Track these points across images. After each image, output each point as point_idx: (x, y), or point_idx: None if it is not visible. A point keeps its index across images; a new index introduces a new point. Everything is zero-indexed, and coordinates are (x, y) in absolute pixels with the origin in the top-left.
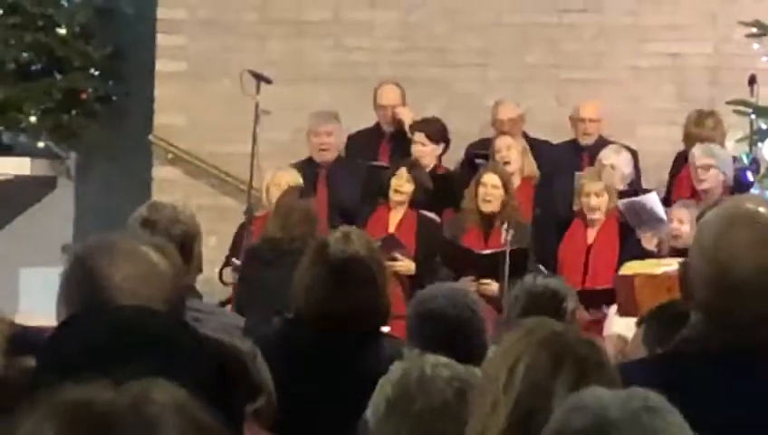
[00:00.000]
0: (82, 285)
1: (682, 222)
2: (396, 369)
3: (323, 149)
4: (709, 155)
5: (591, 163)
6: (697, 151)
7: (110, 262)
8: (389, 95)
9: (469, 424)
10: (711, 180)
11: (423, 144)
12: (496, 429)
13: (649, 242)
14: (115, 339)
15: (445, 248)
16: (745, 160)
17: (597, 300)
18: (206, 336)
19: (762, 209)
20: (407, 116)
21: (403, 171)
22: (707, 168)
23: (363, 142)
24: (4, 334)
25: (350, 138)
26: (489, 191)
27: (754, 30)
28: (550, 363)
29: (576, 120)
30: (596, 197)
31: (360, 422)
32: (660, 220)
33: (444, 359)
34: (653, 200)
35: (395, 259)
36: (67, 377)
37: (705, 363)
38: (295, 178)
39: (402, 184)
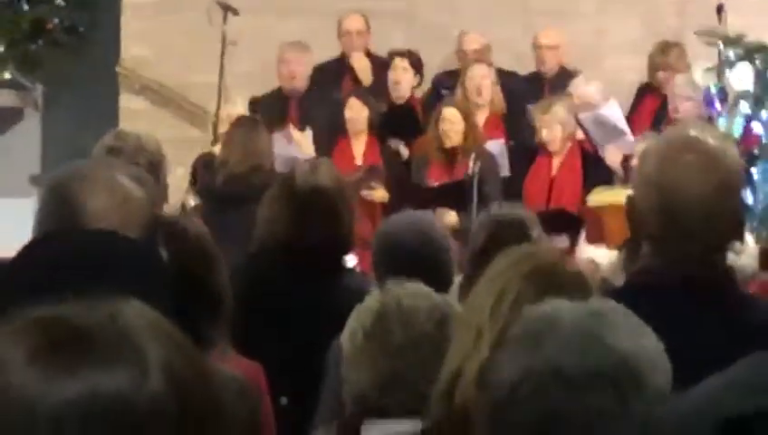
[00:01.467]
0: (56, 213)
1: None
2: (374, 298)
3: (292, 77)
4: (690, 85)
5: (552, 93)
6: (679, 80)
7: (84, 190)
8: (354, 22)
9: (449, 353)
10: (688, 111)
11: (405, 69)
12: (478, 358)
13: (615, 157)
14: (75, 260)
15: (402, 185)
16: (713, 90)
17: (554, 223)
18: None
19: (707, 136)
20: (362, 64)
21: (353, 100)
22: (687, 99)
23: (327, 75)
24: None
25: (314, 70)
26: (448, 127)
27: None
28: (537, 295)
29: (535, 47)
30: (547, 129)
31: (333, 346)
32: (622, 131)
33: (423, 288)
34: (612, 110)
35: (371, 187)
36: (26, 297)
37: (657, 297)
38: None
39: (355, 112)
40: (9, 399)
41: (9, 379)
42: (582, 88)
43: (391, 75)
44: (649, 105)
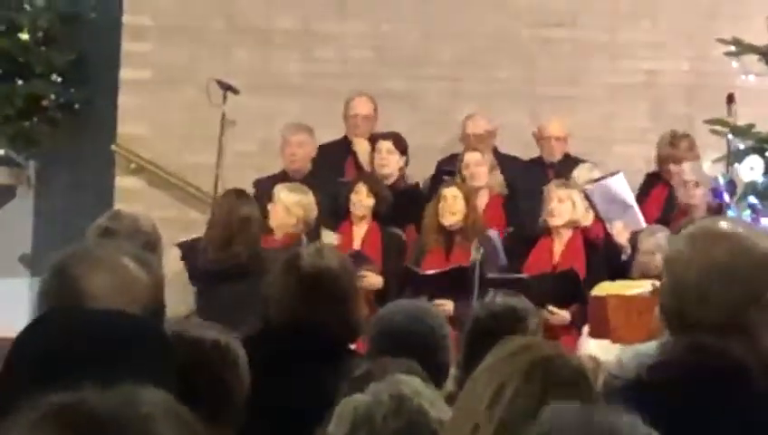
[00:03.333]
0: (57, 294)
1: (653, 253)
2: (369, 392)
3: (294, 160)
4: (697, 173)
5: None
6: (687, 168)
7: (86, 272)
8: (361, 106)
9: None
10: (699, 198)
11: (389, 151)
12: None
13: (621, 235)
14: (81, 339)
15: (399, 271)
16: (722, 181)
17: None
18: (179, 335)
19: (737, 228)
20: (363, 148)
21: (361, 185)
22: (697, 184)
23: (330, 155)
24: None
25: (320, 147)
26: (449, 204)
27: (733, 48)
28: (535, 390)
29: (541, 138)
30: (558, 202)
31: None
32: (629, 205)
33: (417, 386)
34: (619, 182)
35: (362, 275)
36: (32, 380)
37: (673, 393)
38: (296, 197)
39: (362, 198)
40: None
41: None
42: (585, 175)
43: (376, 158)
44: (657, 195)
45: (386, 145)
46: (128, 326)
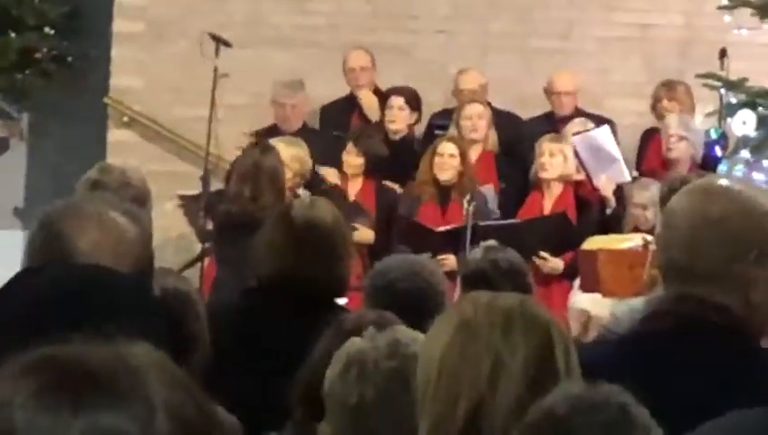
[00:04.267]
0: (47, 249)
1: (645, 206)
2: (367, 337)
3: (286, 119)
4: (684, 126)
5: None
6: (672, 121)
7: (76, 227)
8: (359, 59)
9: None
10: (681, 151)
11: (401, 108)
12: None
13: (606, 188)
14: (69, 293)
15: (400, 225)
16: (714, 135)
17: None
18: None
19: (730, 185)
20: (369, 100)
21: (350, 146)
22: (680, 138)
23: (336, 113)
24: None
25: (323, 109)
26: (446, 160)
27: (726, 2)
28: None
29: (551, 93)
30: (550, 156)
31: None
32: (614, 158)
33: (415, 335)
34: (605, 135)
35: (354, 228)
36: (14, 330)
37: (663, 346)
38: (294, 151)
39: (351, 158)
40: None
41: (14, 417)
42: (577, 129)
43: (387, 114)
44: (657, 147)
45: (398, 102)
46: (117, 283)
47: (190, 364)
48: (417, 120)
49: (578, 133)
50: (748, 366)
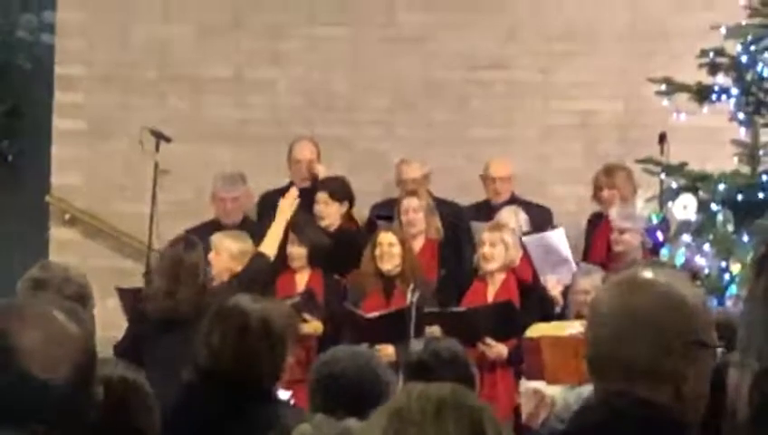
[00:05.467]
0: None
1: (587, 292)
2: (315, 423)
3: (227, 214)
4: (626, 218)
5: None
6: (614, 214)
7: (17, 327)
8: (305, 151)
9: None
10: (626, 243)
11: (326, 203)
12: None
13: (554, 288)
14: None
15: (340, 315)
16: (655, 220)
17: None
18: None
19: (660, 277)
20: (322, 172)
21: (292, 236)
22: (622, 231)
23: (276, 202)
24: None
25: (262, 197)
26: (386, 250)
27: (664, 87)
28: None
29: (486, 179)
30: (491, 246)
31: None
32: (566, 259)
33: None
34: (559, 236)
35: (305, 320)
36: None
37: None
38: (234, 245)
39: (294, 249)
40: None
41: None
42: (510, 219)
43: (315, 209)
44: (602, 234)
45: (323, 196)
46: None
47: None
48: (349, 209)
49: (528, 234)
50: None
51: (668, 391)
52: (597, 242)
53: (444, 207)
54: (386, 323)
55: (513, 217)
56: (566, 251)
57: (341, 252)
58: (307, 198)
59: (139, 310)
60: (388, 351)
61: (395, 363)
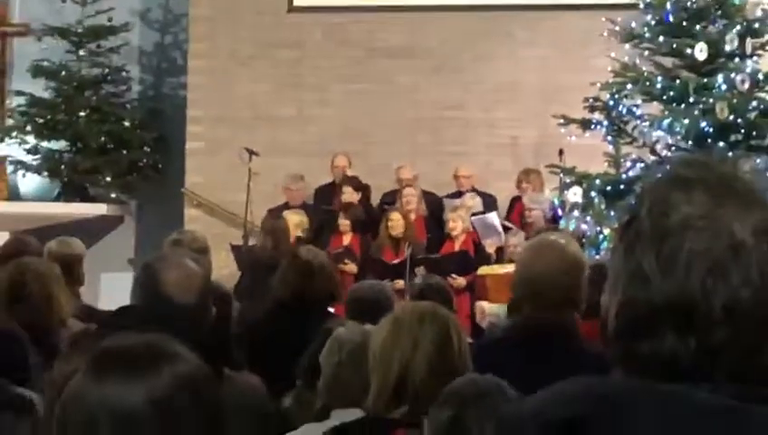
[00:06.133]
0: (145, 283)
1: (516, 246)
2: (338, 332)
3: (292, 199)
4: (533, 201)
5: None
6: (525, 199)
7: (163, 268)
8: (341, 161)
9: (386, 362)
10: (533, 217)
11: (350, 193)
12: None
13: (491, 248)
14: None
15: (370, 262)
16: (557, 203)
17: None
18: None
19: (561, 238)
20: (350, 174)
21: (342, 215)
22: (531, 210)
23: (324, 192)
24: (84, 311)
25: (316, 190)
26: (394, 223)
27: (562, 120)
28: (430, 329)
29: (457, 177)
30: (453, 222)
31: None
32: (498, 232)
33: (366, 327)
34: (494, 218)
35: (345, 264)
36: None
37: (510, 349)
38: (297, 218)
39: (342, 222)
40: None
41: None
42: (470, 202)
43: (343, 197)
44: (518, 209)
45: (347, 189)
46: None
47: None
48: (364, 195)
49: (476, 215)
50: (574, 358)
51: (570, 315)
52: (514, 215)
53: (428, 196)
54: (396, 267)
55: (472, 201)
56: (499, 227)
57: (369, 221)
58: (341, 190)
59: (247, 258)
60: (399, 284)
61: (402, 291)
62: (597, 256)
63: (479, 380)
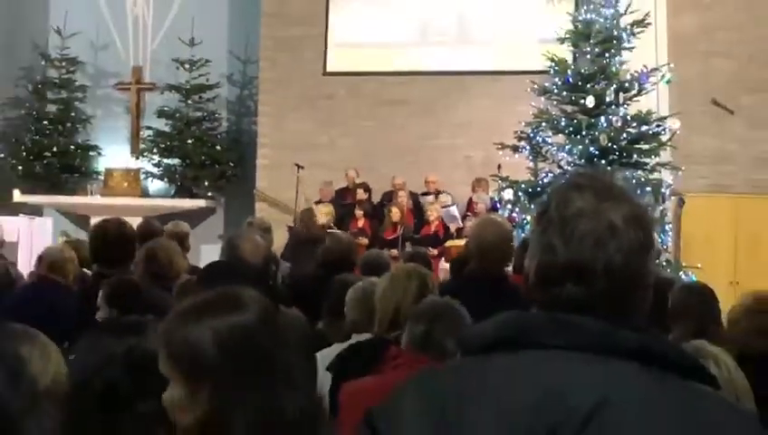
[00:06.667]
0: (228, 252)
1: (470, 228)
2: (356, 284)
3: (326, 196)
4: (480, 199)
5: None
6: (475, 197)
7: (240, 241)
8: (352, 173)
9: (385, 303)
10: (480, 209)
11: (362, 193)
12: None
13: (453, 228)
14: (228, 271)
15: (376, 238)
16: (496, 199)
17: (424, 244)
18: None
19: (499, 219)
20: (359, 181)
21: (357, 208)
22: (477, 204)
23: (341, 193)
24: (190, 269)
25: (336, 191)
26: (393, 214)
27: (500, 146)
28: (415, 281)
29: (427, 182)
30: (430, 212)
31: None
32: (457, 219)
33: (372, 279)
34: (454, 210)
35: (360, 239)
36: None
37: (468, 285)
38: (327, 209)
39: (358, 211)
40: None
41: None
42: (444, 198)
43: (357, 196)
44: (472, 206)
45: (359, 191)
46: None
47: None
48: (369, 194)
49: (444, 207)
50: (505, 296)
51: (501, 266)
52: (471, 208)
53: (411, 195)
54: (392, 241)
55: (446, 197)
56: (458, 215)
57: (375, 213)
58: (354, 192)
59: (296, 235)
60: (394, 252)
61: (395, 257)
62: (523, 235)
63: (438, 300)
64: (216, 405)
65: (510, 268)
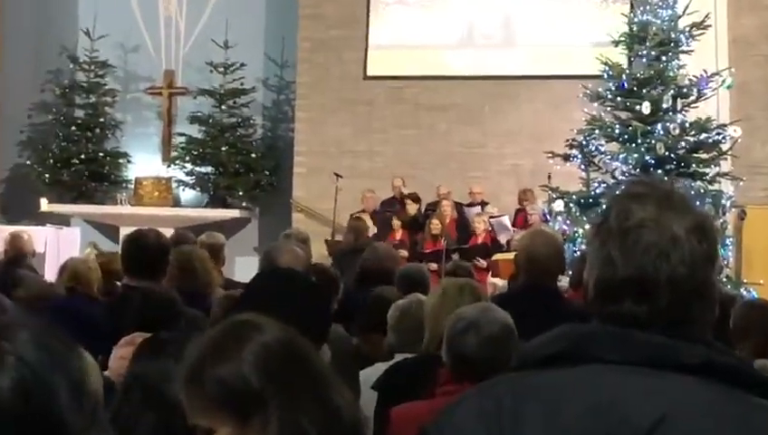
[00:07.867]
0: (265, 264)
1: (518, 241)
2: (399, 302)
3: (369, 206)
4: (534, 210)
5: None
6: (528, 208)
7: (278, 253)
8: (398, 182)
9: (434, 320)
10: (533, 220)
11: (410, 204)
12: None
13: (503, 240)
14: (274, 283)
15: (416, 252)
16: (546, 210)
17: (473, 254)
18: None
19: (549, 231)
20: (405, 190)
21: (395, 219)
22: (531, 215)
23: (387, 202)
24: (225, 283)
25: (382, 202)
26: (434, 227)
27: (551, 154)
28: (468, 297)
29: (471, 193)
30: (477, 224)
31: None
32: (509, 230)
33: (418, 295)
34: (506, 220)
35: (401, 253)
36: (253, 300)
37: (518, 298)
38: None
39: (395, 222)
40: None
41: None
42: (491, 209)
43: (407, 208)
44: (521, 217)
45: (408, 201)
46: (297, 277)
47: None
48: (419, 206)
49: (493, 217)
50: (555, 310)
51: (552, 280)
52: (518, 220)
53: (457, 206)
54: (433, 254)
55: (493, 209)
56: (509, 226)
57: (419, 224)
58: (400, 202)
59: (336, 248)
60: (433, 266)
61: (435, 271)
62: (575, 248)
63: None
64: (276, 426)
65: (564, 282)
